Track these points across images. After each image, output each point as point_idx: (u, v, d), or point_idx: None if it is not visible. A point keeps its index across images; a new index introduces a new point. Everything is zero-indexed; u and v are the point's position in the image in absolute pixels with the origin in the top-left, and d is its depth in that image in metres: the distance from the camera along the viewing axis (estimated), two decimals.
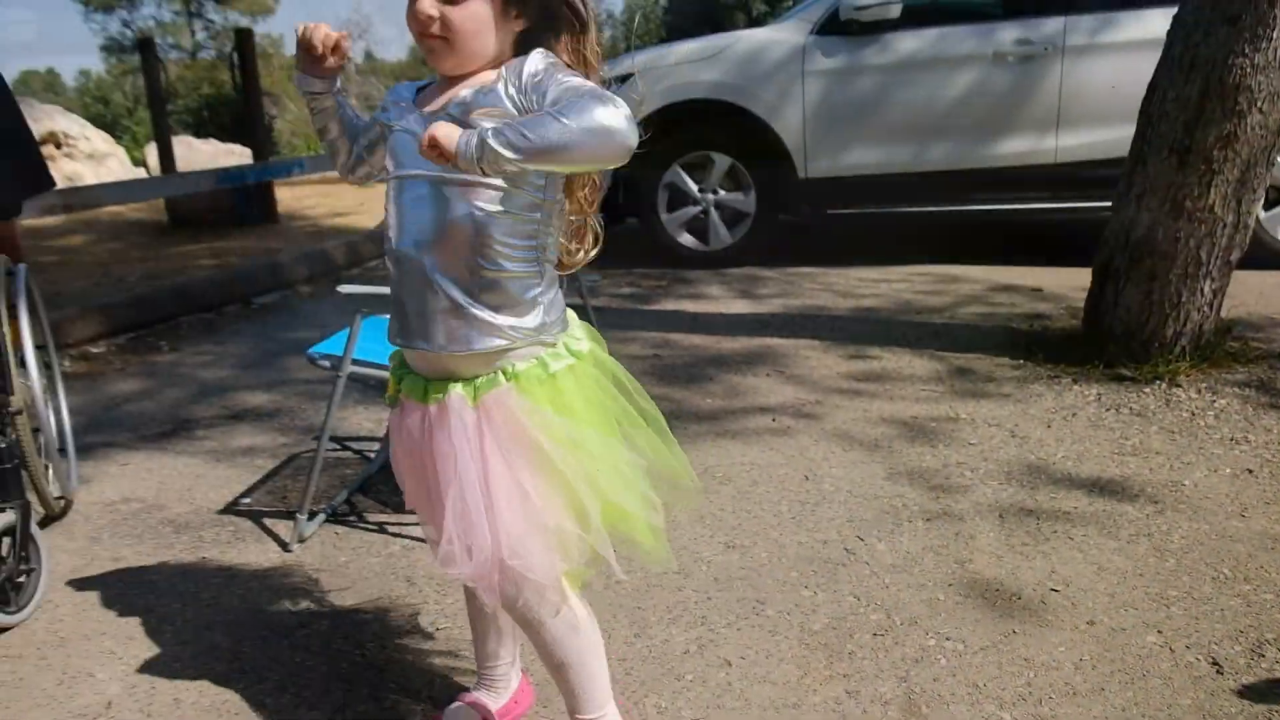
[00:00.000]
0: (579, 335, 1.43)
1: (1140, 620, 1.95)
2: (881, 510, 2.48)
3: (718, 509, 2.52)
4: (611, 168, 1.23)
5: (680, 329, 4.30)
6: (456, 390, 1.36)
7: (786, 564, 2.22)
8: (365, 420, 3.33)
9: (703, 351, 3.95)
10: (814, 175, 5.44)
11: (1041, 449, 2.82)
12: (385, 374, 2.47)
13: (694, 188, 5.57)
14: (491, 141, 1.13)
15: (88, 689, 1.87)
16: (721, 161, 5.51)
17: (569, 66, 1.32)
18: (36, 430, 2.49)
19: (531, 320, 1.36)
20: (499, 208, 1.30)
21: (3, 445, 2.14)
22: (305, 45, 1.37)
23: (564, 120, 1.13)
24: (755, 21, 20.59)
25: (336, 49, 1.38)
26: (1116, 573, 2.13)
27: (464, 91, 1.31)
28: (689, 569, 2.22)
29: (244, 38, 9.12)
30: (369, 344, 2.59)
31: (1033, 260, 5.34)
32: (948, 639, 1.91)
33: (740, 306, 4.71)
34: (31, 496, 2.32)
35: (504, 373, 1.35)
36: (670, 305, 4.79)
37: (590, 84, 1.24)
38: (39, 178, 2.71)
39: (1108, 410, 3.09)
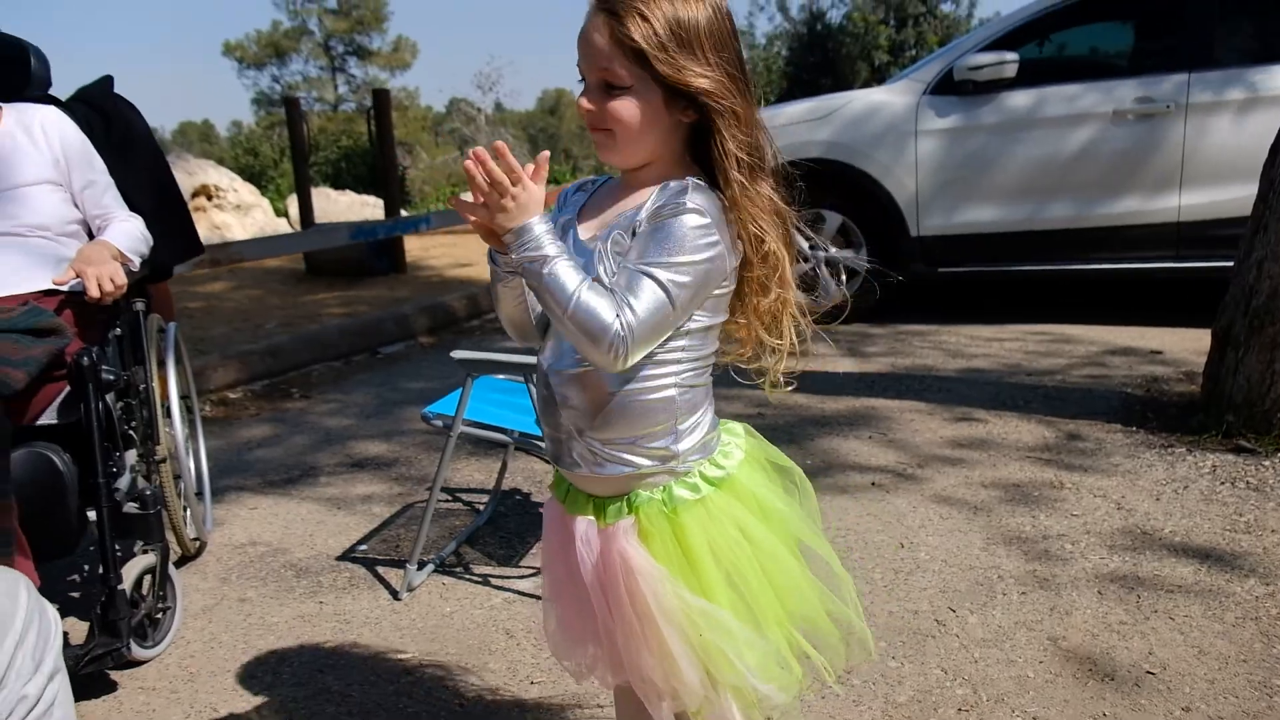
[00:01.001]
0: (721, 463, 1.36)
1: (1240, 709, 1.90)
2: (976, 581, 2.47)
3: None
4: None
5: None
6: (587, 517, 1.36)
7: (875, 633, 2.23)
8: (476, 473, 3.47)
9: (805, 411, 3.98)
10: (926, 233, 5.43)
11: (1148, 522, 2.76)
12: (494, 435, 2.62)
13: (804, 244, 5.61)
14: (525, 241, 1.19)
15: None
16: (833, 219, 5.56)
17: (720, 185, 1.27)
18: (178, 477, 2.71)
19: (659, 448, 1.31)
20: None
21: (149, 492, 2.34)
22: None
23: (573, 298, 1.17)
24: (877, 70, 20.57)
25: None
26: (1219, 657, 2.08)
27: (641, 199, 1.28)
28: None
29: (381, 98, 9.63)
30: (480, 404, 2.74)
31: (1154, 320, 5.19)
32: (1034, 718, 1.90)
33: (846, 365, 4.72)
34: (170, 537, 2.53)
35: (628, 503, 1.33)
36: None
37: (631, 291, 1.19)
38: (190, 244, 2.96)
39: (1222, 484, 3.00)
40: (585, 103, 1.27)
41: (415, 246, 10.32)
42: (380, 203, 13.87)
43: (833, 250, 5.30)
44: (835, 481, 3.19)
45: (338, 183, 20.60)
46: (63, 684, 1.16)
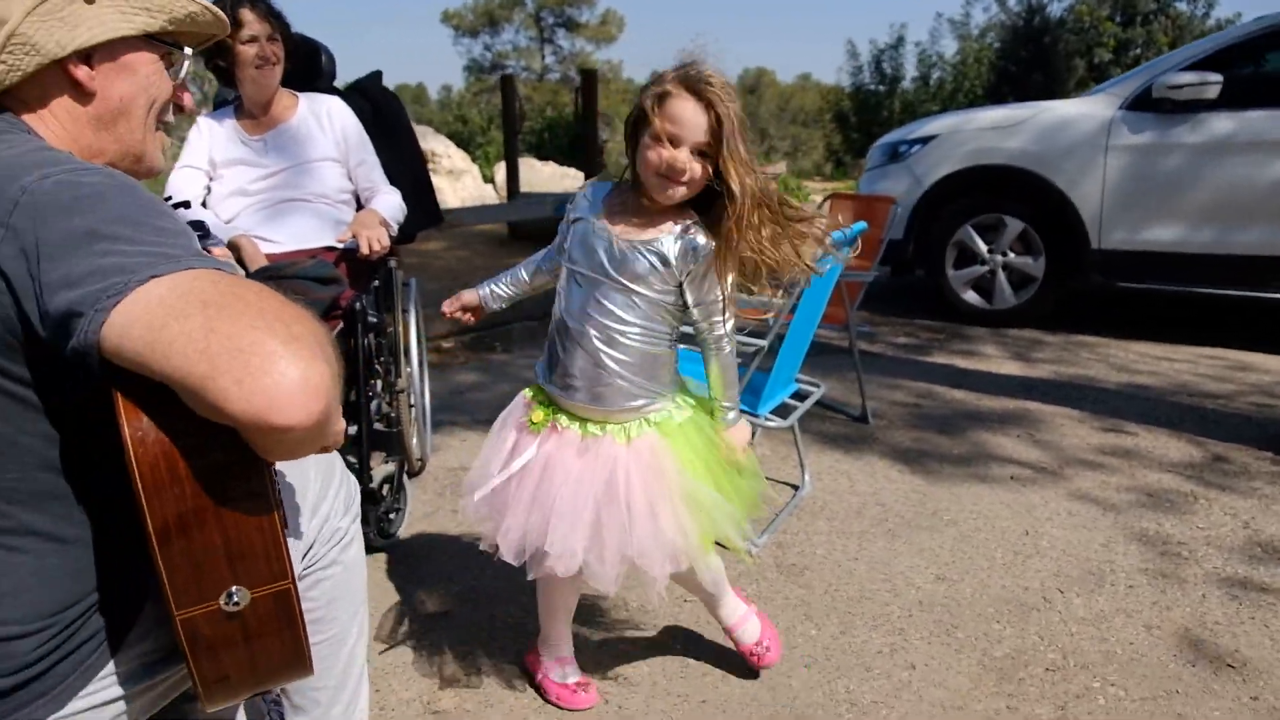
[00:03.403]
0: (683, 403, 1.90)
1: None
2: (1088, 571, 2.74)
3: (938, 546, 2.88)
4: None
5: (945, 383, 4.60)
6: (610, 429, 1.86)
7: (986, 601, 2.56)
8: None
9: (961, 406, 4.24)
10: (1108, 247, 5.51)
11: (1271, 544, 2.93)
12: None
13: (983, 248, 5.81)
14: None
15: (431, 599, 2.57)
16: (1014, 225, 5.71)
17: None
18: (412, 405, 3.28)
19: (660, 383, 1.87)
20: (643, 308, 1.83)
21: (393, 414, 2.90)
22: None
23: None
24: (1095, 69, 19.76)
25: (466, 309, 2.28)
26: None
27: (663, 229, 1.82)
28: (900, 590, 2.61)
29: (589, 78, 10.23)
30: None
31: None
32: (1112, 685, 2.19)
33: (1010, 368, 4.92)
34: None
35: (647, 420, 1.85)
36: (941, 359, 5.07)
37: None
38: (432, 213, 3.53)
39: None
40: (681, 158, 1.72)
41: None
42: (579, 175, 14.56)
43: (1010, 256, 5.54)
44: (975, 470, 3.47)
45: (541, 153, 21.54)
46: (359, 526, 1.66)
